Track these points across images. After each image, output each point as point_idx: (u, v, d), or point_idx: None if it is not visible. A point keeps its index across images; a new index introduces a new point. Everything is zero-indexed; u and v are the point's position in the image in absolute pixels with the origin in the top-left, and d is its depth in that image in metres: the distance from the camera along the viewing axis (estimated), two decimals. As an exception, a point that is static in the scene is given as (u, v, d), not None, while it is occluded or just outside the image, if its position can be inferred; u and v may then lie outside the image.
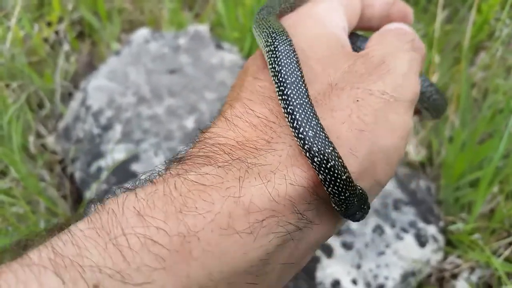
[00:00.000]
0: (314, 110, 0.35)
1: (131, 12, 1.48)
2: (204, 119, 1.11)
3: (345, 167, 0.34)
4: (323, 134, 0.34)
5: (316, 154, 0.33)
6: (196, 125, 1.10)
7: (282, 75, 0.37)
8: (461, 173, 0.98)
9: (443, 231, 0.98)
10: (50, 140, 1.16)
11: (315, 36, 0.43)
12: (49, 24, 1.41)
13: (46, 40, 1.39)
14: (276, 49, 0.38)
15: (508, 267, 0.91)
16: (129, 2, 1.49)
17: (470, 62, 1.31)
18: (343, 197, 0.34)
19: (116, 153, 1.04)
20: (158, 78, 1.19)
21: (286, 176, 0.34)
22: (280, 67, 0.37)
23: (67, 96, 1.29)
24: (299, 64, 0.38)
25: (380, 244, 0.92)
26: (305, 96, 0.36)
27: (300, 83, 0.36)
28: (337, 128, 0.37)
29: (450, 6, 1.38)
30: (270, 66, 0.38)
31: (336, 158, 0.33)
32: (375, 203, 0.98)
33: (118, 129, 1.08)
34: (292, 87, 0.36)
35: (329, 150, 0.33)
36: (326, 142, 0.34)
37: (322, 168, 0.33)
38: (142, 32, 1.31)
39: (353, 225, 0.94)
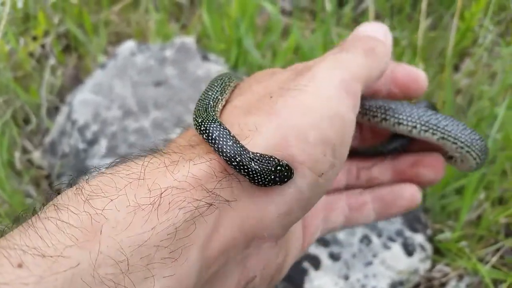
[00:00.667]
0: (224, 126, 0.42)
1: (118, 24, 1.48)
2: (191, 131, 1.11)
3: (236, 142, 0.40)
4: (227, 131, 0.41)
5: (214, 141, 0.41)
6: (183, 137, 1.09)
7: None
8: (447, 181, 0.98)
9: (431, 239, 0.98)
10: (36, 155, 1.16)
11: None
12: (34, 38, 1.41)
13: (31, 54, 1.39)
14: None
15: (495, 273, 0.91)
16: (115, 14, 1.49)
17: (455, 68, 1.31)
18: (244, 167, 0.39)
19: (101, 169, 1.03)
20: (144, 90, 1.19)
21: (193, 161, 0.39)
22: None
23: (54, 111, 1.28)
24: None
25: (368, 254, 0.92)
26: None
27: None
28: (248, 117, 0.44)
29: (434, 13, 1.39)
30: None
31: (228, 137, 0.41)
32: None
33: (103, 143, 1.07)
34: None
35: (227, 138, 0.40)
36: (226, 134, 0.41)
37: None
38: (128, 45, 1.31)
39: (340, 235, 0.94)
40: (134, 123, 1.11)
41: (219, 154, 0.40)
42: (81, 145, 1.08)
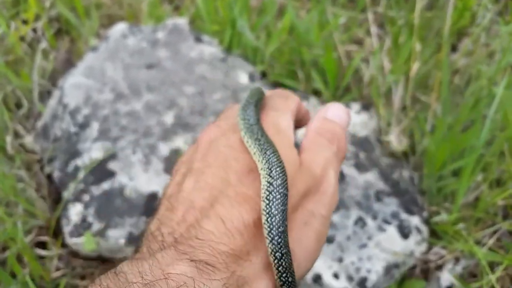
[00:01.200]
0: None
1: (110, 6, 1.45)
2: (184, 114, 1.09)
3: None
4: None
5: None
6: (176, 120, 1.08)
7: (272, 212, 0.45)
8: (444, 163, 0.97)
9: (427, 221, 0.97)
10: (28, 139, 1.14)
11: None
12: (25, 22, 1.39)
13: (23, 38, 1.36)
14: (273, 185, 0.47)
15: (491, 256, 0.90)
16: (107, -3, 1.46)
17: (453, 49, 1.29)
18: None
19: (93, 152, 1.02)
20: (136, 73, 1.17)
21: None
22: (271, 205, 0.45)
23: (46, 95, 1.26)
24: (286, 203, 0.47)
25: (362, 236, 0.91)
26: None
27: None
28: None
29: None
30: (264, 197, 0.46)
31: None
32: (356, 194, 0.97)
33: (95, 127, 1.06)
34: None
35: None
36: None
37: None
38: (120, 27, 1.28)
39: (335, 217, 0.93)
40: (125, 106, 1.10)
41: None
42: (73, 129, 1.06)
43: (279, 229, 0.44)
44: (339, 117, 0.58)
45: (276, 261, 0.44)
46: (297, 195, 0.49)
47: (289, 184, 0.48)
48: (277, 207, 0.44)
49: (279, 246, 0.43)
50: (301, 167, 0.52)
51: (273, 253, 0.43)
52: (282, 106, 0.58)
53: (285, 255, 0.43)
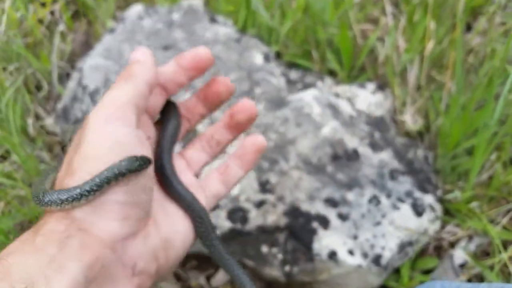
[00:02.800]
0: None
1: (125, -12, 1.46)
2: (200, 95, 1.11)
3: None
4: None
5: None
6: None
7: None
8: (457, 141, 0.97)
9: (441, 200, 0.98)
10: (49, 121, 1.17)
11: None
12: (43, 5, 1.40)
13: (41, 21, 1.39)
14: None
15: (505, 234, 0.91)
16: (122, -22, 1.47)
17: (468, 28, 1.28)
18: None
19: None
20: (153, 54, 1.18)
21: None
22: None
23: (65, 77, 1.29)
24: None
25: (377, 214, 0.93)
26: None
27: None
28: None
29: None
30: None
31: None
32: (371, 173, 0.98)
33: (114, 108, 1.08)
34: None
35: None
36: None
37: None
38: (136, 9, 1.30)
39: (349, 196, 0.95)
40: (143, 88, 1.12)
41: None
42: (92, 111, 1.09)
43: None
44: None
45: None
46: None
47: None
48: None
49: None
50: None
51: None
52: None
53: None
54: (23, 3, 1.35)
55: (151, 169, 0.59)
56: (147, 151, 0.59)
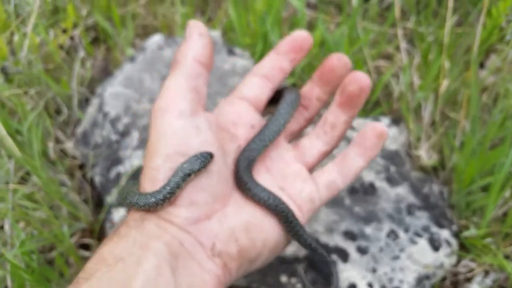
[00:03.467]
0: None
1: (145, 17, 1.50)
2: (219, 125, 1.13)
3: None
4: None
5: None
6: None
7: None
8: (472, 178, 1.00)
9: (456, 235, 1.00)
10: (69, 145, 1.19)
11: None
12: (64, 31, 1.44)
13: (61, 46, 1.41)
14: None
15: (520, 270, 0.93)
16: (142, 7, 1.51)
17: (481, 66, 1.32)
18: None
19: (134, 159, 1.06)
20: (173, 84, 1.21)
21: None
22: None
23: (84, 101, 1.31)
24: None
25: (395, 248, 0.95)
26: None
27: None
28: None
29: (461, 9, 1.39)
30: None
31: None
32: (388, 208, 1.00)
33: (135, 135, 1.10)
34: None
35: None
36: None
37: None
38: (156, 38, 1.33)
39: (367, 229, 0.96)
40: (164, 116, 1.14)
41: None
42: (114, 137, 1.11)
43: None
44: None
45: None
46: None
47: None
48: None
49: None
50: None
51: None
52: None
53: None
54: (44, 28, 1.38)
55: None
56: (203, 138, 0.62)
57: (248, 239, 0.62)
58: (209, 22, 1.52)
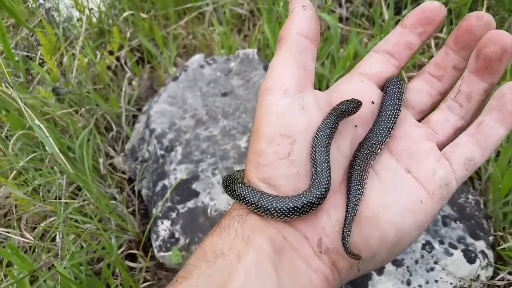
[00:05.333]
0: None
1: (185, 36, 1.58)
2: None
3: None
4: None
5: None
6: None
7: None
8: (509, 190, 1.00)
9: (493, 246, 1.01)
10: (118, 160, 1.27)
11: None
12: (110, 52, 1.53)
13: (108, 67, 1.51)
14: None
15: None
16: (182, 28, 1.59)
17: None
18: None
19: (178, 173, 1.13)
20: (213, 101, 1.28)
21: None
22: None
23: (131, 119, 1.40)
24: None
25: (430, 260, 0.97)
26: None
27: None
28: None
29: (496, 16, 1.39)
30: None
31: None
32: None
33: (179, 150, 1.17)
34: None
35: None
36: None
37: None
38: (196, 58, 1.40)
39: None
40: (204, 131, 1.20)
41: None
42: (159, 152, 1.18)
43: None
44: None
45: None
46: None
47: None
48: None
49: None
50: None
51: None
52: None
53: None
54: (91, 50, 1.48)
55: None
56: (310, 117, 0.56)
57: (361, 236, 0.54)
58: (246, 38, 1.58)
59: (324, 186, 0.52)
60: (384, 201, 0.56)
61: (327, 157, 0.54)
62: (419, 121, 0.63)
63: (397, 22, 1.52)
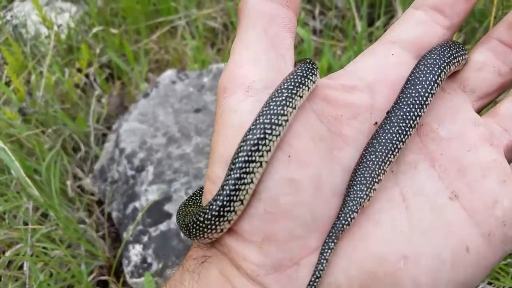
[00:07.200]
0: None
1: (157, 51, 1.55)
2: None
3: None
4: None
5: None
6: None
7: None
8: None
9: None
10: (86, 182, 1.22)
11: None
12: (79, 70, 1.48)
13: (77, 85, 1.46)
14: None
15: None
16: (153, 42, 1.56)
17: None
18: None
19: (149, 194, 1.08)
20: (186, 117, 1.24)
21: None
22: None
23: (101, 137, 1.35)
24: None
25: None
26: None
27: None
28: None
29: (467, 26, 1.40)
30: None
31: None
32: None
33: (150, 170, 1.13)
34: None
35: None
36: None
37: None
38: (168, 73, 1.37)
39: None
40: (177, 149, 1.16)
41: None
42: (130, 172, 1.14)
43: None
44: None
45: None
46: None
47: None
48: None
49: None
50: None
51: None
52: None
53: None
54: (59, 68, 1.43)
55: None
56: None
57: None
58: (219, 52, 1.56)
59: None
60: (410, 249, 0.36)
61: None
62: (480, 112, 0.44)
63: (370, 34, 1.52)
